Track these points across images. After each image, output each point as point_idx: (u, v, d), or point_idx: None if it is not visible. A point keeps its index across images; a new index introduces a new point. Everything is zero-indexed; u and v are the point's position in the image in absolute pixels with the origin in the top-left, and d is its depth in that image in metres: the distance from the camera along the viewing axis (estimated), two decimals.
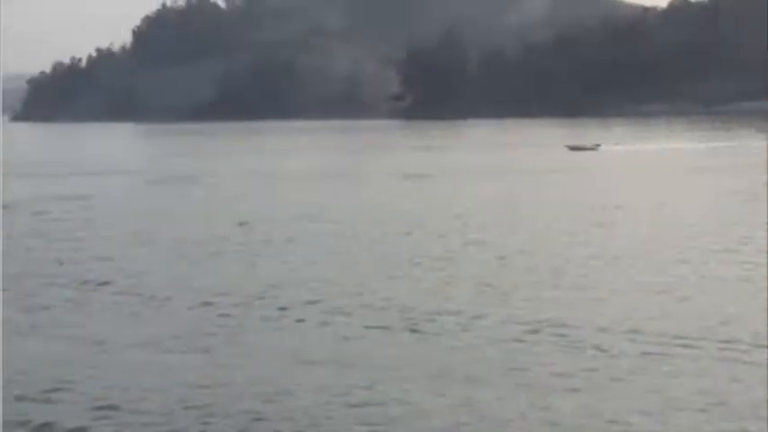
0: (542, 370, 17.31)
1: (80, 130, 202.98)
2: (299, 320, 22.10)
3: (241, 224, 40.10)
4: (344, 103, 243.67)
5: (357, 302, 23.70)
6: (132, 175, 74.15)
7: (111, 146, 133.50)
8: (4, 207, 49.00)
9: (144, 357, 19.15)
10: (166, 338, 20.67)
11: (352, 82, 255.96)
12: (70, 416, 15.60)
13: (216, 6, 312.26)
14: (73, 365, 18.54)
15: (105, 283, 27.04)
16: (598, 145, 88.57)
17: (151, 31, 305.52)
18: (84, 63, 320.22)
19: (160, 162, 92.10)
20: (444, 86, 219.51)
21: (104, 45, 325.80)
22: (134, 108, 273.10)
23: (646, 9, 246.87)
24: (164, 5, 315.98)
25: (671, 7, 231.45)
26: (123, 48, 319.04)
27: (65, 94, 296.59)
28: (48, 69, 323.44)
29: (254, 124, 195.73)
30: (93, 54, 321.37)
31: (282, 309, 23.23)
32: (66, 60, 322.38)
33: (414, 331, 20.76)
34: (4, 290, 26.44)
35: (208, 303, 24.10)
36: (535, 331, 20.16)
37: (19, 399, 16.48)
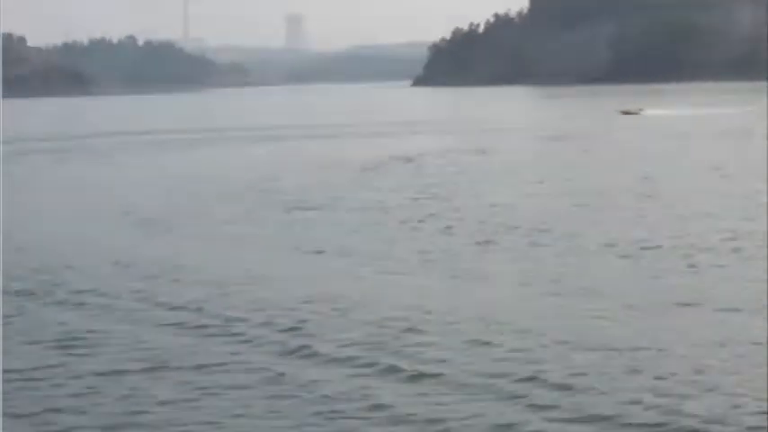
0: None
1: (477, 93, 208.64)
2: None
3: (645, 179, 40.20)
4: (747, 64, 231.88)
5: None
6: (525, 131, 76.04)
7: (507, 107, 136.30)
8: (409, 160, 52.34)
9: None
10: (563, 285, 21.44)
11: (755, 42, 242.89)
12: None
13: None
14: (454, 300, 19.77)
15: (513, 227, 28.36)
16: (641, 109, 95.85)
17: None
18: (481, 29, 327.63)
19: (552, 121, 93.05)
20: None
21: (502, 11, 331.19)
22: (529, 72, 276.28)
23: None
24: None
25: None
26: (520, 13, 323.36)
27: (462, 59, 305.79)
28: (448, 36, 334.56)
29: (650, 87, 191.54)
30: (491, 20, 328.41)
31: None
32: (465, 27, 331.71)
33: None
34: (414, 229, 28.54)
35: (629, 255, 24.11)
36: None
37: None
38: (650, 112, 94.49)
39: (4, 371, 15.47)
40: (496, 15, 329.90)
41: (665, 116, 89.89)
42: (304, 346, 16.30)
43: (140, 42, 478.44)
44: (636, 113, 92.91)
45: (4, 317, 19.36)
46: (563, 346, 15.92)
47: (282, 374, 14.83)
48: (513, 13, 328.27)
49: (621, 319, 17.61)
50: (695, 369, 14.47)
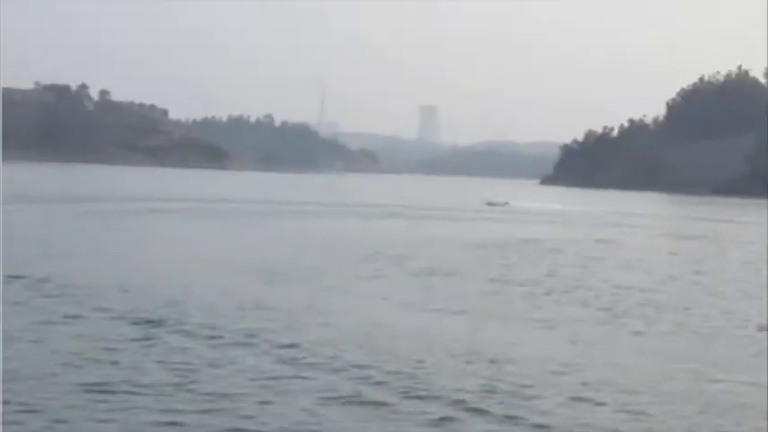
0: None
1: (606, 194, 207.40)
2: None
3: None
4: None
5: None
6: (652, 229, 76.22)
7: (635, 208, 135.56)
8: (537, 242, 52.66)
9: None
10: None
11: None
12: None
13: (756, 81, 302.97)
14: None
15: (637, 305, 28.29)
16: (506, 203, 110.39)
17: (685, 104, 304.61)
18: (615, 133, 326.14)
19: (679, 222, 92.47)
20: None
21: (637, 117, 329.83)
22: (661, 179, 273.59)
23: None
24: (701, 79, 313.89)
25: None
26: (655, 120, 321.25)
27: (594, 161, 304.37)
28: (580, 138, 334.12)
29: None
30: (626, 124, 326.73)
31: None
32: (599, 130, 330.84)
33: None
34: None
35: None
36: None
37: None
38: (514, 203, 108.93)
39: (139, 385, 16.50)
40: (631, 121, 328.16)
41: (528, 209, 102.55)
42: (413, 394, 16.54)
43: (277, 122, 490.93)
44: (501, 205, 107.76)
45: (138, 340, 20.51)
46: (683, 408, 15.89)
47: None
48: (648, 119, 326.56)
49: (740, 394, 17.39)
50: None
